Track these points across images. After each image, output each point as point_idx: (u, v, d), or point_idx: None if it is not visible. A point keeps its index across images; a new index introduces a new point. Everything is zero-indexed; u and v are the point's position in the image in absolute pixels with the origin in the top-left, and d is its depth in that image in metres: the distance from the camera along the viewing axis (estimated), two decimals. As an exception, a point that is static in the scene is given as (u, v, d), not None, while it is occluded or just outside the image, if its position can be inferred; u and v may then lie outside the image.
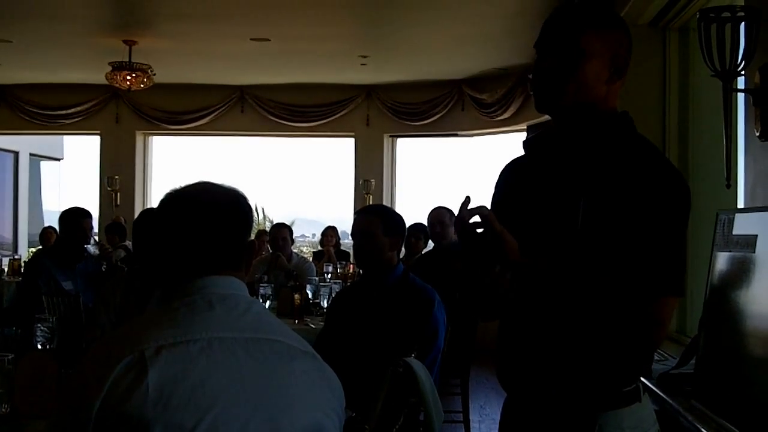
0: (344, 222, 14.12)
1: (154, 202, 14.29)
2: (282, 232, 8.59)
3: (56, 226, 12.90)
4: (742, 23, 3.66)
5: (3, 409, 3.10)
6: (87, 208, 7.03)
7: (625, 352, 2.36)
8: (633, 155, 2.40)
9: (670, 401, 3.47)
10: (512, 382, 2.57)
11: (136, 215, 9.38)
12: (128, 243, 10.55)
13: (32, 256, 9.07)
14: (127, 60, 11.00)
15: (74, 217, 6.82)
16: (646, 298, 2.27)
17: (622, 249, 2.28)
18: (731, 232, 3.34)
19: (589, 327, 2.35)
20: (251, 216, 2.29)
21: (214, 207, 2.18)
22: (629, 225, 2.27)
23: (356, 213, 5.00)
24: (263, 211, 19.91)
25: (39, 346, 3.87)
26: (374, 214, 4.83)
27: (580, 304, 2.32)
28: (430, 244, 8.22)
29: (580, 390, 2.39)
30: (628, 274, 2.27)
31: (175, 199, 2.22)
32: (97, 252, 10.14)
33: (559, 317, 2.38)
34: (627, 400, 2.39)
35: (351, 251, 11.09)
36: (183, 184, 2.24)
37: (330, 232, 12.25)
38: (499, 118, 12.74)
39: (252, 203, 2.29)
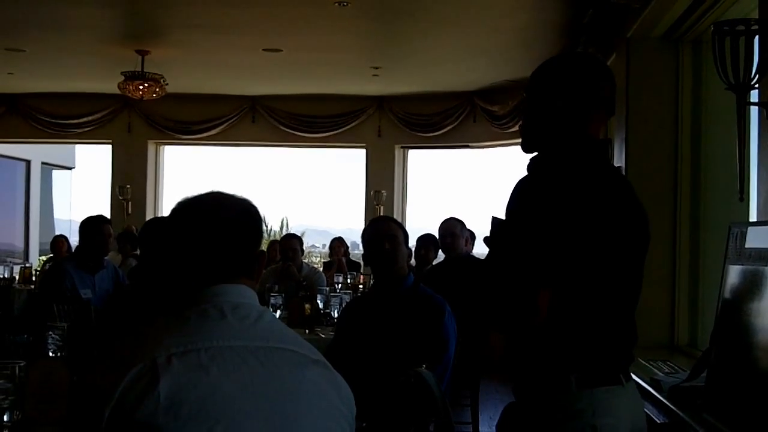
0: (355, 232, 14.12)
1: (165, 211, 14.33)
2: (292, 242, 8.60)
3: (68, 235, 13.01)
4: (757, 36, 3.65)
5: (14, 416, 3.10)
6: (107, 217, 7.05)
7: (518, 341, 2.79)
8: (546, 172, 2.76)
9: (682, 414, 3.46)
10: None
11: (147, 225, 9.37)
12: (139, 252, 10.56)
13: (54, 263, 9.08)
14: (140, 69, 11.04)
15: (94, 223, 6.84)
16: (521, 290, 2.58)
17: (503, 252, 2.67)
18: (744, 246, 3.32)
19: (495, 323, 2.92)
20: (261, 225, 2.30)
21: (224, 215, 2.18)
22: (506, 232, 2.65)
23: (375, 221, 5.01)
24: (282, 221, 19.93)
25: (50, 354, 3.88)
26: (395, 222, 4.90)
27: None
28: (441, 255, 8.21)
29: (516, 380, 2.81)
30: (508, 272, 2.62)
31: (187, 208, 2.22)
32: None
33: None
34: (549, 389, 2.66)
35: (361, 261, 11.14)
36: (194, 194, 2.24)
37: (337, 243, 12.27)
38: (510, 130, 12.73)
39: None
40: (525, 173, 2.77)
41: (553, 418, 2.64)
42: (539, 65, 2.94)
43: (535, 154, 2.84)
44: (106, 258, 7.45)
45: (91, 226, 6.85)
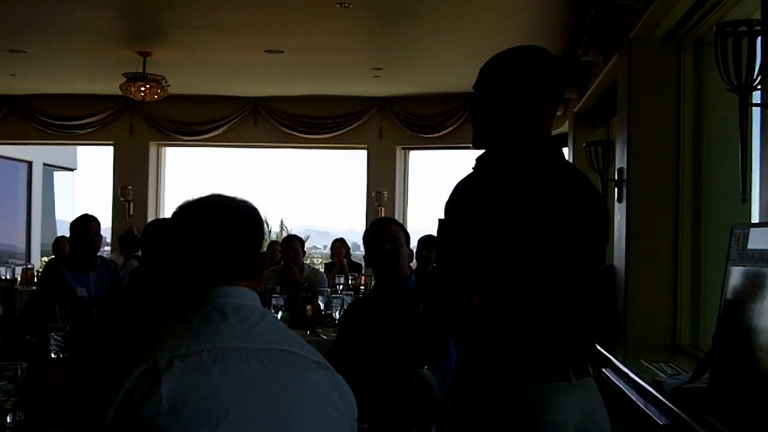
0: (357, 234, 14.13)
1: (167, 212, 14.30)
2: (293, 244, 8.60)
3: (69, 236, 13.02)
4: (759, 37, 3.65)
5: (17, 418, 3.10)
6: (95, 215, 7.12)
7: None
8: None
9: (684, 416, 3.45)
10: None
11: (148, 226, 9.38)
12: (140, 253, 10.55)
13: (47, 264, 9.15)
14: (142, 71, 11.04)
15: (79, 223, 6.95)
16: (449, 296, 2.66)
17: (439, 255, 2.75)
18: (746, 247, 3.32)
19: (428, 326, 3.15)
20: (263, 227, 2.30)
21: (226, 218, 2.19)
22: (442, 234, 2.70)
23: (377, 222, 5.03)
24: (281, 222, 19.95)
25: (53, 355, 3.88)
26: (396, 224, 4.91)
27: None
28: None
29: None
30: (439, 276, 2.70)
31: (188, 210, 2.23)
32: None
33: None
34: (489, 387, 2.67)
35: (362, 263, 11.14)
36: (195, 196, 2.25)
37: (338, 245, 12.27)
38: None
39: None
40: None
41: (494, 416, 2.64)
42: (489, 60, 2.93)
43: (483, 151, 2.84)
44: (104, 257, 7.50)
45: (77, 226, 7.01)
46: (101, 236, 7.39)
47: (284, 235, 17.48)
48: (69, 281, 6.85)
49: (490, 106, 2.86)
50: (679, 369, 4.42)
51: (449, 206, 2.66)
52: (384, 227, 4.80)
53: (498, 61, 2.90)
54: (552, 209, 2.69)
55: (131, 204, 14.55)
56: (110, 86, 11.98)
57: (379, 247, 4.66)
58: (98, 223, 7.17)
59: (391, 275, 4.68)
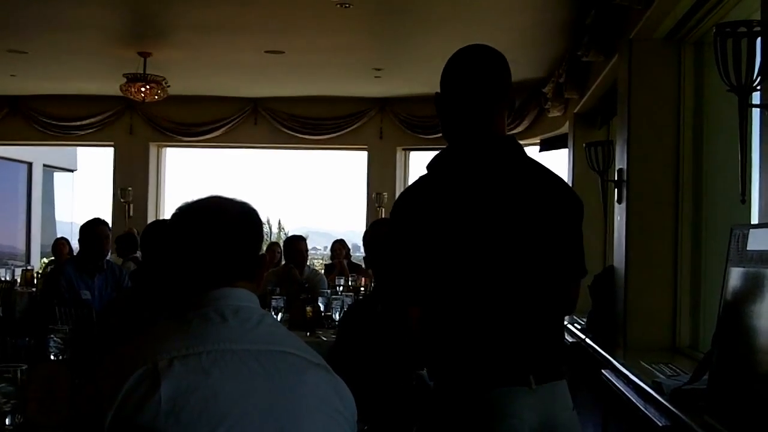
0: (356, 235, 14.10)
1: (167, 213, 14.28)
2: (301, 245, 8.62)
3: (69, 238, 13.02)
4: (759, 38, 3.65)
5: (16, 420, 3.10)
6: (104, 219, 7.18)
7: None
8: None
9: (683, 417, 3.46)
10: None
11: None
12: (139, 254, 10.55)
13: (56, 265, 9.18)
14: (142, 72, 11.04)
15: (90, 227, 7.00)
16: (393, 306, 2.84)
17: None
18: (745, 248, 3.31)
19: None
20: (262, 228, 2.30)
21: (225, 219, 2.19)
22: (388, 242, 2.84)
23: (376, 223, 5.03)
24: (279, 223, 19.92)
25: (52, 357, 3.87)
26: None
27: None
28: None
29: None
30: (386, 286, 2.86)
31: (188, 212, 2.23)
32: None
33: None
34: (448, 391, 2.71)
35: (363, 264, 11.11)
36: (195, 198, 2.25)
37: (338, 246, 12.23)
38: (513, 131, 12.70)
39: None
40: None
41: (453, 419, 2.66)
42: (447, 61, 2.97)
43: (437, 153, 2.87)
44: (109, 260, 7.51)
45: (86, 229, 7.08)
46: (110, 240, 7.43)
47: (282, 235, 17.45)
48: (74, 283, 6.89)
49: (440, 107, 2.91)
50: (678, 370, 4.43)
51: (391, 216, 2.71)
52: (384, 229, 4.79)
53: (447, 63, 2.98)
54: (499, 210, 2.70)
55: (131, 205, 14.54)
56: (110, 87, 11.99)
57: (379, 248, 4.66)
58: (108, 228, 7.25)
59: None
